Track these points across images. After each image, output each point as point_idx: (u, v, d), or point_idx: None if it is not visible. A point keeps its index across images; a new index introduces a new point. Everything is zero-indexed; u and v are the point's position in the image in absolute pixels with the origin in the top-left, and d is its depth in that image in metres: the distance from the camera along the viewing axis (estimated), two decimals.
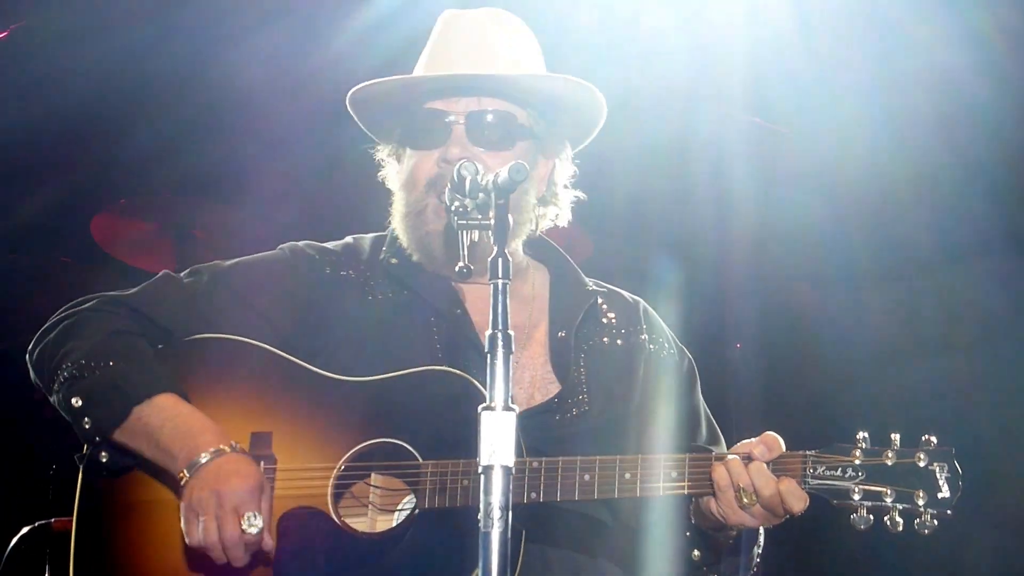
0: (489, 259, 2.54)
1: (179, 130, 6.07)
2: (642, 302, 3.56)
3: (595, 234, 6.03)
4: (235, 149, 6.31)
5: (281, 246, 3.46)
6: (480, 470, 2.41)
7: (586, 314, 3.38)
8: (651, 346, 3.44)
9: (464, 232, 2.68)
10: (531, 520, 2.95)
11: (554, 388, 3.25)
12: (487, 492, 2.39)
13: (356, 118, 3.45)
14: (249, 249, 6.12)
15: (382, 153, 3.50)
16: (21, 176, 6.35)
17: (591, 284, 3.49)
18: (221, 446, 3.00)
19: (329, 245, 3.47)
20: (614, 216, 6.23)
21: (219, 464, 2.97)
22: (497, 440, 2.41)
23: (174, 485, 3.04)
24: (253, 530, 2.92)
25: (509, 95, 3.29)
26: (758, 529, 3.11)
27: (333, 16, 5.77)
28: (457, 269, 2.67)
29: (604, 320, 3.43)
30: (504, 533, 2.37)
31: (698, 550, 3.09)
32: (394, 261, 3.37)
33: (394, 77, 3.33)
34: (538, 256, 3.53)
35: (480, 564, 2.37)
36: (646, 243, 6.76)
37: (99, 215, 6.16)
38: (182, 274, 3.36)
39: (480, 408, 2.44)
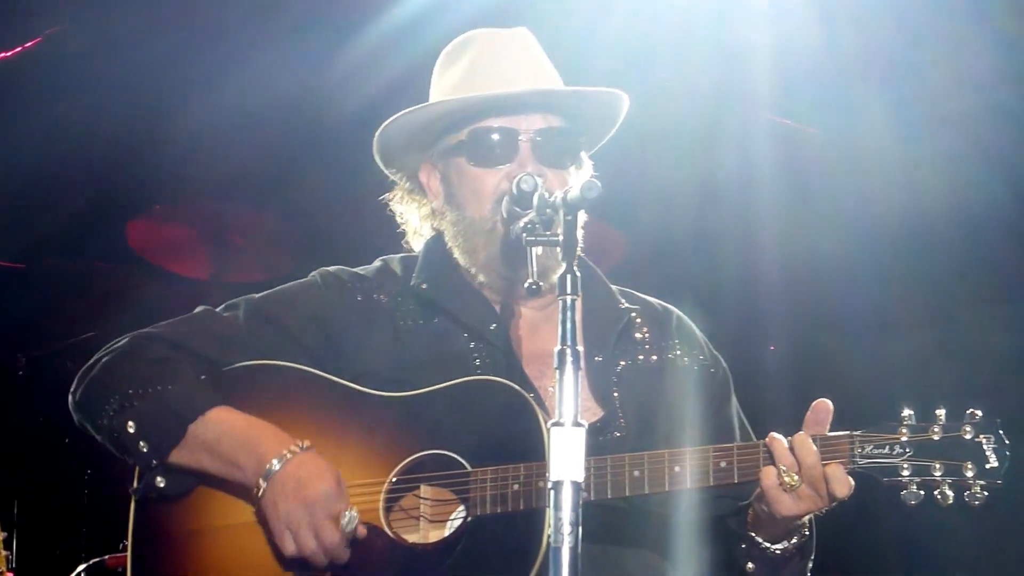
0: (557, 275, 2.52)
1: (216, 135, 6.08)
2: (674, 312, 3.52)
3: (627, 234, 6.05)
4: (274, 155, 6.33)
5: (313, 273, 3.42)
6: (550, 486, 2.41)
7: (619, 334, 3.36)
8: (685, 359, 3.41)
9: (531, 248, 2.68)
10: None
11: (589, 415, 3.19)
12: (557, 507, 2.40)
13: (377, 147, 3.36)
14: (288, 256, 6.19)
15: (399, 175, 3.45)
16: (56, 181, 6.38)
17: (623, 300, 3.45)
18: (288, 449, 3.01)
19: (360, 270, 3.43)
20: (641, 217, 6.24)
21: (294, 469, 2.98)
22: (566, 455, 2.42)
23: (246, 497, 3.05)
24: (352, 525, 2.96)
25: (565, 112, 3.28)
26: (811, 541, 3.11)
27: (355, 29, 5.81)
28: (527, 286, 2.66)
29: (638, 336, 3.39)
30: (575, 548, 2.38)
31: (752, 562, 3.09)
32: (424, 287, 3.33)
33: (457, 97, 3.27)
34: None
35: None
36: (673, 244, 6.76)
37: (134, 220, 6.19)
38: (218, 308, 3.34)
39: (549, 424, 2.44)
